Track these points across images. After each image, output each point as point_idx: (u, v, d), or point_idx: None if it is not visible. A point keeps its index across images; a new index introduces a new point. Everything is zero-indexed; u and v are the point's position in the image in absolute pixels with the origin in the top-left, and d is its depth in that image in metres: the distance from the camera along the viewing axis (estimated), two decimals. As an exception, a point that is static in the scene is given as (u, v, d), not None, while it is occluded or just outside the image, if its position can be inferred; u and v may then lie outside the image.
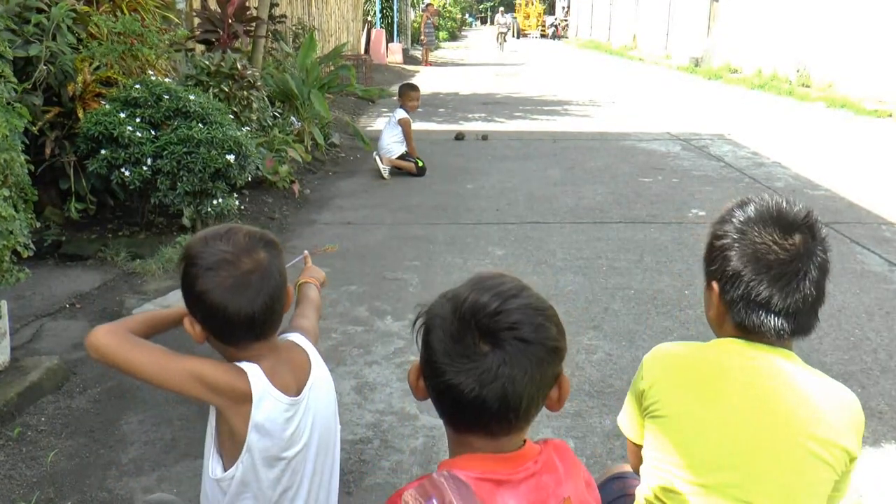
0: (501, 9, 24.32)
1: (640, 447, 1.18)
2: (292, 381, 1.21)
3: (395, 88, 6.06)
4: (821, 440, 1.02)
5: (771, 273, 1.03)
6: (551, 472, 0.84)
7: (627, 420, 1.21)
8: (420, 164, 5.78)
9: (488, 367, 0.77)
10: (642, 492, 1.16)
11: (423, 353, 0.83)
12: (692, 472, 1.05)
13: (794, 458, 1.02)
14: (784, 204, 1.07)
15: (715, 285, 1.10)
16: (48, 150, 3.42)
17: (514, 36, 37.29)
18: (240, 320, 1.12)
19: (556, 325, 0.83)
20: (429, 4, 19.80)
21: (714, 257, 1.11)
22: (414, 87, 6.06)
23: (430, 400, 0.86)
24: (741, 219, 1.08)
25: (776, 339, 1.07)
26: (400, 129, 5.78)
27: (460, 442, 0.84)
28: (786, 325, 1.04)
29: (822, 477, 1.03)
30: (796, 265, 1.03)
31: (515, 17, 39.16)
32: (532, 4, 38.85)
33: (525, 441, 0.85)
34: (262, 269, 1.12)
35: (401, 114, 5.80)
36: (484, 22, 63.68)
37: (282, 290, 1.18)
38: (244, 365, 1.15)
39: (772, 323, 1.04)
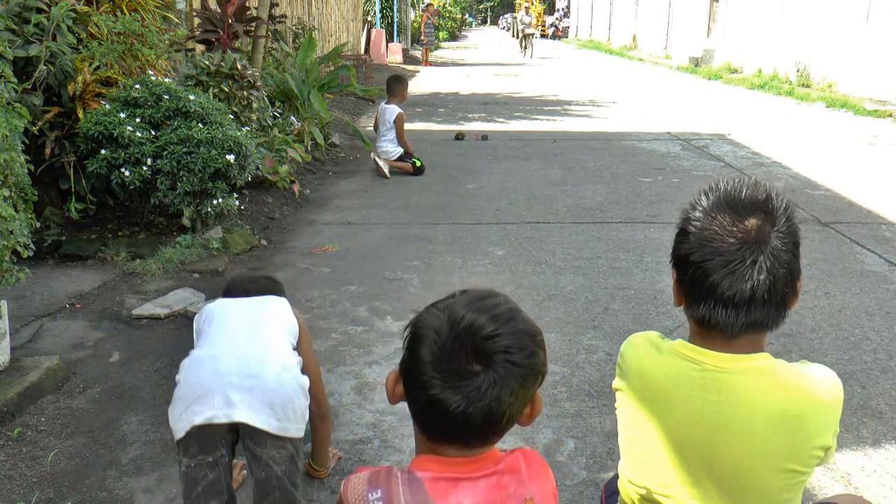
0: (526, 5, 22.00)
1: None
2: None
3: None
4: (778, 468, 1.00)
5: (717, 260, 0.96)
6: (513, 472, 0.85)
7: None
8: (418, 163, 5.78)
9: (478, 386, 0.79)
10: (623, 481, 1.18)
11: (407, 362, 0.83)
12: (653, 481, 1.08)
13: (750, 479, 1.01)
14: (744, 188, 1.00)
15: (673, 272, 1.06)
16: (48, 150, 3.43)
17: (514, 36, 37.27)
18: None
19: (543, 350, 0.85)
20: (429, 4, 19.79)
21: (675, 242, 1.06)
22: (401, 80, 5.95)
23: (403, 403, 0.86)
24: (702, 203, 1.03)
25: (731, 335, 0.99)
26: (395, 127, 5.75)
27: (430, 447, 0.85)
28: (735, 318, 0.96)
29: (784, 489, 1.02)
30: (743, 252, 0.95)
31: (515, 17, 39.15)
32: (532, 4, 38.84)
33: (492, 448, 0.87)
34: None
35: (395, 111, 5.70)
36: (484, 22, 63.65)
37: None
38: None
39: (720, 315, 0.97)
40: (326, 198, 5.11)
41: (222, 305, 1.67)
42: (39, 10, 3.37)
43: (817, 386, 1.01)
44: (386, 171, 5.68)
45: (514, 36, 37.52)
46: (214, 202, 3.71)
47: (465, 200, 4.99)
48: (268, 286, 1.77)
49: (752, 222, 0.96)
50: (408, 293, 3.30)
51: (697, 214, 1.01)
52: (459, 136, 7.32)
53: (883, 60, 10.36)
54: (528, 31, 21.49)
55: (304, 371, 1.61)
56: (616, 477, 1.32)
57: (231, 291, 1.75)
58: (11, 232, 2.31)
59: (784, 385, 1.01)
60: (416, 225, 4.43)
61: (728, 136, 7.70)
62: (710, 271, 0.96)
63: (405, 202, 4.96)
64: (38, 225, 3.28)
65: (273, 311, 1.68)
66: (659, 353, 1.07)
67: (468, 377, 0.79)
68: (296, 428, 1.52)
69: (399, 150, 5.81)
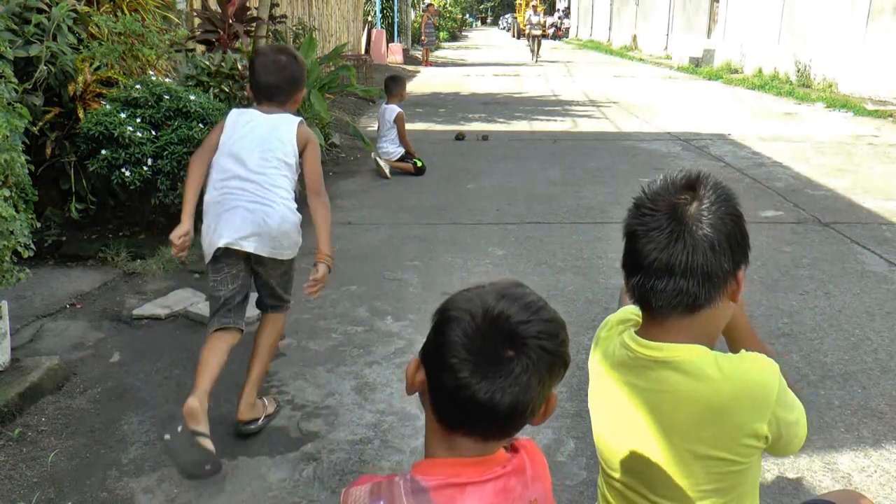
0: (534, 4, 20.40)
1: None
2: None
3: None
4: (705, 455, 1.03)
5: (641, 230, 1.02)
6: (519, 474, 0.84)
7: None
8: (419, 163, 5.78)
9: (509, 371, 0.78)
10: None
11: (435, 345, 0.81)
12: (608, 467, 1.15)
13: (680, 466, 1.04)
14: (683, 173, 1.04)
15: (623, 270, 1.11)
16: (49, 151, 3.43)
17: (514, 36, 37.23)
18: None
19: (568, 341, 0.86)
20: (429, 4, 19.80)
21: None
22: (399, 80, 5.97)
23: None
24: (644, 188, 1.08)
25: (660, 312, 1.02)
26: (395, 127, 5.76)
27: (444, 441, 0.83)
28: (658, 288, 0.99)
29: (717, 476, 1.04)
30: (663, 222, 1.00)
31: (516, 17, 39.15)
32: (529, 5, 38.82)
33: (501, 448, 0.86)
34: None
35: (394, 110, 5.72)
36: (484, 22, 63.66)
37: None
38: None
39: (647, 285, 1.01)
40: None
41: (244, 128, 2.13)
42: (40, 11, 3.37)
43: (744, 377, 1.02)
44: (387, 171, 5.68)
45: (514, 36, 37.53)
46: (215, 202, 3.71)
47: (466, 200, 4.99)
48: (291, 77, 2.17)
49: (679, 198, 1.01)
50: (408, 293, 3.30)
51: (640, 196, 1.07)
52: (460, 137, 7.32)
53: (883, 61, 10.35)
54: (534, 32, 19.59)
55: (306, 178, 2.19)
56: None
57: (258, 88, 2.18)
58: (12, 232, 2.31)
59: (709, 377, 1.01)
60: (416, 225, 4.43)
61: (728, 136, 7.70)
62: (637, 242, 1.03)
63: (405, 202, 4.96)
64: (39, 225, 3.27)
65: (280, 147, 2.11)
66: (611, 335, 1.13)
67: (501, 362, 0.78)
68: (289, 253, 2.16)
69: (400, 151, 5.82)
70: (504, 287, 0.84)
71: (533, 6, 20.26)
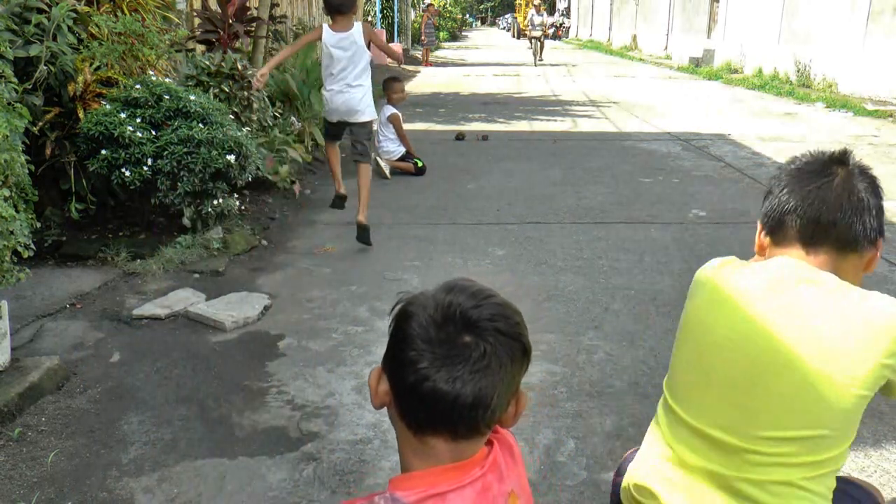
0: (536, 2, 19.12)
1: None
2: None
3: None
4: (834, 372, 1.02)
5: (803, 179, 1.11)
6: (494, 470, 0.84)
7: None
8: (419, 163, 5.79)
9: (468, 356, 0.77)
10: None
11: (395, 345, 0.82)
12: (697, 381, 1.11)
13: (803, 382, 1.02)
14: (819, 152, 1.18)
15: (759, 223, 1.18)
16: (49, 151, 3.43)
17: (514, 36, 37.22)
18: None
19: (525, 327, 0.85)
20: (429, 5, 19.80)
21: (765, 196, 1.20)
22: (397, 80, 5.97)
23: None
24: (780, 168, 1.19)
25: (805, 243, 1.09)
26: (392, 126, 5.78)
27: (417, 448, 0.82)
28: (810, 225, 1.07)
29: (838, 399, 1.03)
30: (826, 175, 1.10)
31: (516, 18, 39.16)
32: (532, 5, 38.84)
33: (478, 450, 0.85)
34: None
35: (389, 110, 5.75)
36: (484, 22, 63.68)
37: None
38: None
39: (795, 223, 1.08)
40: (327, 198, 5.09)
41: (337, 51, 3.65)
42: (40, 11, 3.37)
43: (890, 305, 1.05)
44: (387, 171, 5.68)
45: (514, 36, 37.53)
46: (215, 202, 3.71)
47: (466, 201, 4.99)
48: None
49: (833, 164, 1.13)
50: (408, 293, 3.30)
51: (791, 161, 1.19)
52: (460, 137, 7.32)
53: (883, 61, 10.35)
54: (535, 33, 18.23)
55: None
56: (624, 461, 1.33)
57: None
58: (12, 232, 2.31)
59: (850, 291, 1.05)
60: (416, 225, 4.43)
61: (728, 136, 7.70)
62: (798, 182, 1.11)
63: (405, 202, 4.96)
64: (39, 225, 3.28)
65: (361, 52, 3.69)
66: (732, 260, 1.16)
67: (457, 348, 0.77)
68: (369, 116, 3.79)
69: (400, 150, 5.82)
70: (452, 282, 0.85)
71: (535, 5, 18.85)
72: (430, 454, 0.81)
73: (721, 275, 1.13)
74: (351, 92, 3.64)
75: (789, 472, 1.02)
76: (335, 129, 3.89)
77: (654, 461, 1.16)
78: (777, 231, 1.12)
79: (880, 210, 1.12)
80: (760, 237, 1.17)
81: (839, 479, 1.16)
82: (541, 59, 18.28)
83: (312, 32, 3.78)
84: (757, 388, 1.04)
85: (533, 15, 18.52)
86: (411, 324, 0.80)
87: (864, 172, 1.13)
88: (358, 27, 3.64)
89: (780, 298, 1.06)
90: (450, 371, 0.77)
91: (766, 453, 1.03)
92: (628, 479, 1.20)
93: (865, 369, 1.02)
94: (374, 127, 5.76)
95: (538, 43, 18.16)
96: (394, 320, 0.83)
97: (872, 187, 1.12)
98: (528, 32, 18.99)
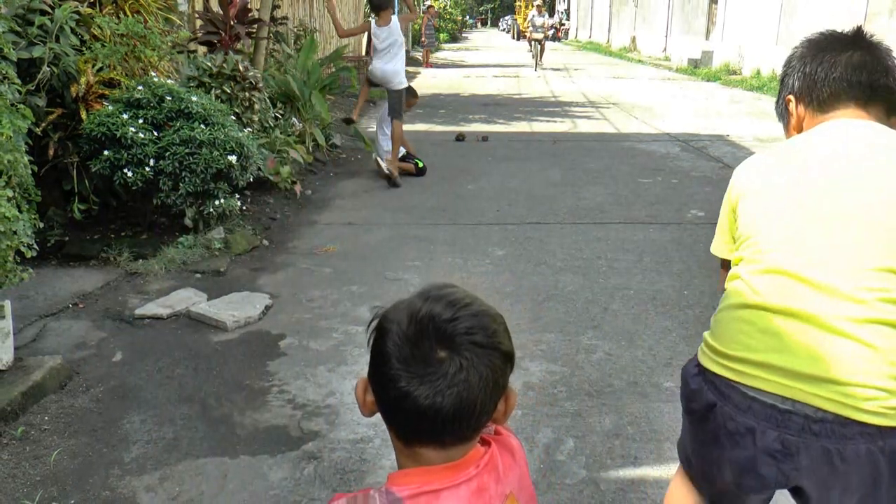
0: (538, 3, 17.92)
1: (729, 269, 1.21)
2: None
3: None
4: None
5: (835, 47, 1.15)
6: (492, 471, 0.83)
7: (720, 238, 1.25)
8: (420, 164, 5.80)
9: (444, 372, 0.77)
10: (730, 275, 1.18)
11: (374, 361, 0.82)
12: (769, 244, 1.09)
13: (871, 234, 1.02)
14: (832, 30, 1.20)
15: (791, 97, 1.20)
16: (51, 151, 3.44)
17: (514, 38, 37.22)
18: None
19: (506, 332, 0.84)
20: (429, 6, 19.82)
21: (784, 77, 1.23)
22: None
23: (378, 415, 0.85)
24: (795, 47, 1.22)
25: (863, 104, 1.12)
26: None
27: (409, 454, 0.83)
28: (866, 91, 1.10)
29: None
30: (860, 49, 1.14)
31: (516, 19, 39.19)
32: (532, 6, 38.88)
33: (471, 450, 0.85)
34: None
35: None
36: (484, 24, 63.71)
37: None
38: None
39: (851, 90, 1.11)
40: (328, 198, 5.12)
41: (377, 40, 5.36)
42: (43, 13, 3.39)
43: None
44: (387, 171, 5.70)
45: (514, 38, 37.53)
46: (216, 203, 3.73)
47: (466, 201, 5.01)
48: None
49: (855, 38, 1.17)
50: (409, 293, 3.30)
51: (801, 46, 1.22)
52: (460, 138, 7.34)
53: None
54: (536, 35, 16.98)
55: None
56: (691, 360, 1.25)
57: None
58: (15, 232, 2.32)
59: None
60: (416, 225, 4.44)
61: (727, 137, 7.72)
62: (835, 65, 1.14)
63: (406, 203, 4.98)
64: (42, 225, 3.30)
65: (396, 41, 5.41)
66: (794, 140, 1.17)
67: (433, 364, 0.77)
68: (398, 85, 5.44)
69: (401, 150, 5.84)
70: (430, 289, 0.83)
71: (537, 6, 17.45)
72: (421, 460, 0.82)
73: (780, 143, 1.17)
74: (386, 67, 5.45)
75: (891, 309, 0.99)
76: (376, 86, 5.81)
77: (740, 318, 1.11)
78: (826, 100, 1.14)
79: None
80: (798, 111, 1.18)
81: None
82: (541, 64, 17.04)
83: (362, 25, 6.22)
84: (861, 223, 1.03)
85: (534, 16, 17.26)
86: (387, 342, 0.80)
87: (888, 48, 1.17)
88: (395, 22, 5.45)
89: (868, 146, 1.09)
90: (429, 387, 0.77)
91: (871, 290, 1.00)
92: (717, 346, 1.12)
93: None
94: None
95: (539, 46, 16.95)
96: (370, 336, 0.83)
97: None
98: (528, 34, 17.76)
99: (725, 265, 1.24)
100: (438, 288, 0.84)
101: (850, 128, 1.12)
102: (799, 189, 1.09)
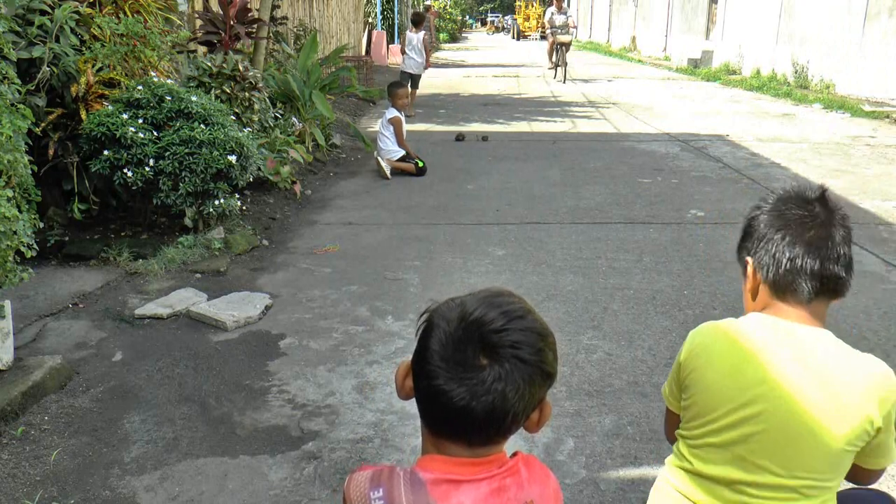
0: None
1: (676, 417, 1.29)
2: None
3: (395, 90, 6.17)
4: (828, 431, 1.10)
5: (799, 230, 1.15)
6: (514, 475, 0.85)
7: (668, 389, 1.32)
8: (420, 164, 5.81)
9: (483, 379, 0.78)
10: (671, 456, 1.27)
11: (418, 351, 0.84)
12: (709, 430, 1.17)
13: (797, 437, 1.11)
14: (800, 188, 1.22)
15: (749, 260, 1.22)
16: (51, 151, 3.44)
17: (514, 38, 37.22)
18: None
19: (553, 351, 0.85)
20: (429, 7, 19.81)
21: (747, 234, 1.24)
22: (402, 85, 6.13)
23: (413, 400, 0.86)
24: (768, 200, 1.22)
25: (808, 300, 1.16)
26: (392, 128, 5.84)
27: (434, 445, 0.85)
28: (815, 285, 1.14)
29: (826, 453, 1.11)
30: (820, 226, 1.15)
31: (515, 19, 39.19)
32: (532, 6, 38.92)
33: (498, 452, 0.86)
34: None
35: (391, 113, 5.89)
36: (483, 24, 63.69)
37: None
38: None
39: (804, 284, 1.14)
40: (328, 198, 5.13)
41: (407, 42, 9.38)
42: (43, 13, 3.39)
43: (881, 370, 1.13)
44: (387, 172, 5.71)
45: (514, 37, 37.53)
46: (216, 203, 3.73)
47: (466, 201, 5.01)
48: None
49: (817, 207, 1.17)
50: (408, 293, 3.32)
51: (768, 207, 1.21)
52: (460, 137, 7.34)
53: (880, 62, 10.38)
54: (562, 37, 13.15)
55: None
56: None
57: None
58: (15, 232, 2.32)
59: (844, 355, 1.13)
60: (416, 225, 4.44)
61: (727, 137, 7.72)
62: (795, 246, 1.15)
63: (406, 203, 4.98)
64: (42, 225, 3.30)
65: (418, 44, 9.28)
66: (739, 325, 1.20)
67: (473, 370, 0.79)
68: (417, 71, 9.43)
69: (401, 151, 5.86)
70: (488, 294, 0.84)
71: (556, 2, 13.75)
72: (445, 451, 0.84)
73: (751, 338, 1.18)
74: (409, 60, 9.24)
75: None
76: (406, 77, 8.79)
77: (669, 498, 1.24)
78: (780, 288, 1.17)
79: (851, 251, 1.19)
80: (756, 279, 1.20)
81: (851, 489, 1.28)
82: (565, 74, 13.21)
83: (426, 46, 9.30)
84: (761, 442, 1.13)
85: (553, 14, 13.50)
86: (433, 337, 0.81)
87: (842, 214, 1.19)
88: (421, 34, 9.15)
89: (785, 364, 1.13)
90: (464, 390, 0.78)
91: (765, 497, 1.13)
92: None
93: (849, 427, 1.10)
94: (383, 120, 6.04)
95: (563, 50, 13.16)
96: (421, 325, 0.85)
97: (849, 229, 1.19)
98: (549, 36, 13.90)
99: None
100: (496, 293, 0.84)
101: (786, 339, 1.16)
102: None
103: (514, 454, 0.88)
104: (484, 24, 63.19)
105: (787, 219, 1.16)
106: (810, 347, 1.14)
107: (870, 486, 1.32)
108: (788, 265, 1.15)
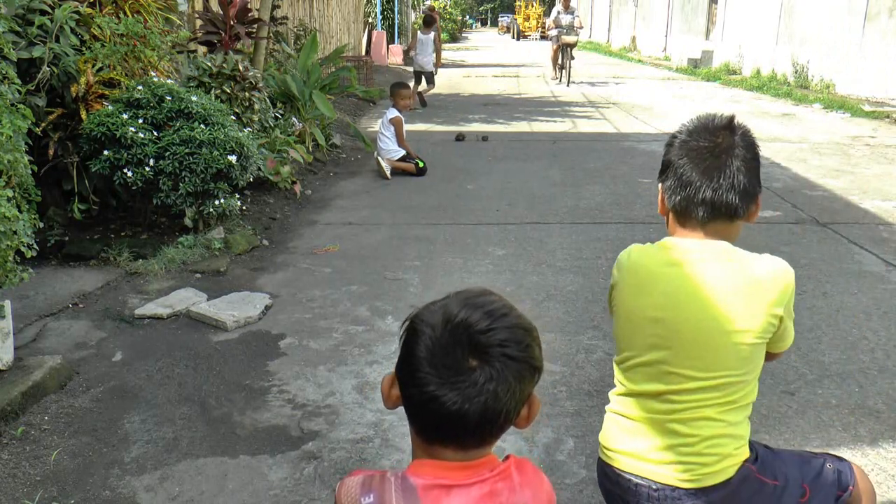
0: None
1: None
2: None
3: (395, 90, 6.17)
4: (732, 330, 1.20)
5: (697, 161, 1.24)
6: (506, 479, 0.85)
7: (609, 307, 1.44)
8: (420, 164, 5.81)
9: (474, 381, 0.78)
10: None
11: (403, 360, 0.83)
12: (632, 352, 1.29)
13: (710, 341, 1.22)
14: (710, 117, 1.30)
15: (660, 186, 1.32)
16: (51, 151, 3.44)
17: (514, 38, 37.21)
18: None
19: (539, 346, 0.85)
20: (433, 7, 19.81)
21: (662, 162, 1.33)
22: (404, 86, 6.16)
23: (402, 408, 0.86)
24: (682, 130, 1.32)
25: (703, 224, 1.25)
26: (393, 128, 5.84)
27: (426, 450, 0.84)
28: (709, 211, 1.23)
29: (739, 350, 1.22)
30: (717, 156, 1.23)
31: (516, 19, 39.18)
32: (532, 6, 38.91)
33: (489, 454, 0.86)
34: None
35: (392, 113, 5.89)
36: (484, 24, 63.70)
37: None
38: None
39: (698, 210, 1.24)
40: (328, 198, 5.13)
41: (419, 42, 10.05)
42: (43, 13, 3.39)
43: (773, 266, 1.24)
44: (387, 172, 5.71)
45: (513, 37, 37.53)
46: (216, 203, 3.73)
47: (466, 201, 5.01)
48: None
49: (721, 136, 1.26)
50: (409, 293, 3.32)
51: (677, 138, 1.31)
52: (460, 137, 7.34)
53: (880, 62, 10.38)
54: (567, 37, 12.45)
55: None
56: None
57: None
58: (15, 232, 2.32)
59: (742, 262, 1.23)
60: (416, 225, 4.44)
61: (727, 137, 7.71)
62: (693, 172, 1.25)
63: (406, 203, 4.98)
64: (42, 225, 3.30)
65: (429, 44, 9.95)
66: (645, 248, 1.33)
67: (464, 373, 0.79)
68: (429, 69, 10.07)
69: (401, 151, 5.86)
70: (469, 296, 0.84)
71: (563, 2, 12.92)
72: (438, 456, 0.84)
73: (638, 264, 1.31)
74: (420, 58, 9.91)
75: (707, 410, 1.23)
76: (417, 75, 10.01)
77: (612, 420, 1.37)
78: (679, 214, 1.29)
79: (758, 171, 1.27)
80: (664, 203, 1.32)
81: (825, 454, 1.40)
82: (569, 78, 12.60)
83: (437, 44, 9.99)
84: (678, 353, 1.24)
85: (560, 14, 12.74)
86: (419, 344, 0.81)
87: (748, 140, 1.26)
88: (432, 34, 9.90)
89: (687, 278, 1.24)
90: (457, 394, 0.78)
91: (689, 400, 1.24)
92: (601, 440, 1.37)
93: (758, 321, 1.21)
94: (384, 120, 6.03)
95: (569, 52, 12.54)
96: (403, 334, 0.85)
97: (752, 154, 1.25)
98: (555, 37, 13.01)
99: None
100: (476, 294, 0.84)
101: (684, 257, 1.26)
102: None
103: (507, 457, 0.88)
104: (484, 24, 63.20)
105: (689, 148, 1.25)
106: (710, 257, 1.23)
107: (827, 452, 1.45)
108: (684, 192, 1.24)
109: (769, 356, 1.30)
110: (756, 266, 1.22)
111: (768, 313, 1.21)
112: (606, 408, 1.38)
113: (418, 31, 10.43)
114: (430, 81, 10.13)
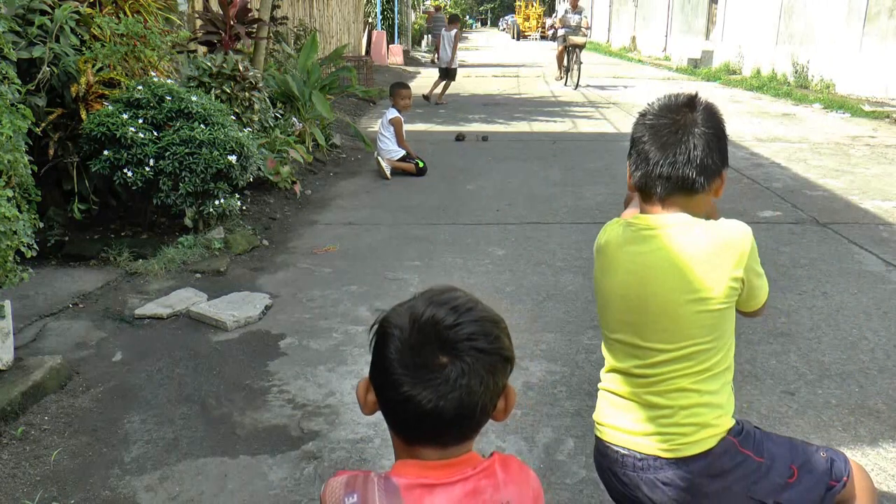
0: None
1: None
2: None
3: (395, 90, 6.17)
4: (693, 299, 1.23)
5: (656, 137, 1.26)
6: (489, 477, 0.85)
7: None
8: (420, 164, 5.82)
9: (447, 378, 0.79)
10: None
11: (376, 364, 0.84)
12: (609, 331, 1.35)
13: (674, 312, 1.25)
14: (673, 95, 1.32)
15: (628, 163, 1.34)
16: (51, 151, 3.44)
17: (514, 38, 37.22)
18: None
19: (507, 336, 0.85)
20: (438, 7, 19.80)
21: (630, 140, 1.34)
22: (404, 86, 6.13)
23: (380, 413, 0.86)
24: (645, 110, 1.33)
25: (662, 198, 1.27)
26: (392, 128, 5.85)
27: (407, 451, 0.85)
28: (668, 186, 1.25)
29: (702, 318, 1.24)
30: (675, 132, 1.25)
31: (516, 19, 39.19)
32: (532, 6, 38.90)
33: (470, 451, 0.87)
34: None
35: (392, 114, 5.89)
36: (484, 24, 63.71)
37: None
38: None
39: (656, 186, 1.26)
40: (328, 198, 5.13)
41: (442, 38, 10.56)
42: (43, 13, 3.39)
43: (725, 231, 1.25)
44: (387, 172, 5.71)
45: (513, 37, 37.54)
46: (216, 203, 3.73)
47: (466, 201, 5.01)
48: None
49: (681, 109, 1.28)
50: (409, 293, 3.30)
51: (647, 111, 1.33)
52: (460, 137, 7.34)
53: (880, 62, 10.38)
54: (575, 38, 11.97)
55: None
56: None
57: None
58: (15, 232, 2.32)
59: (698, 231, 1.25)
60: (416, 225, 4.44)
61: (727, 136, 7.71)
62: (647, 142, 1.27)
63: (406, 203, 4.98)
64: (42, 225, 3.30)
65: (450, 40, 10.38)
66: (613, 227, 1.36)
67: (436, 370, 0.79)
68: (447, 64, 10.45)
69: (401, 151, 5.86)
70: (433, 294, 0.84)
71: (571, 2, 12.63)
72: (420, 456, 0.84)
73: (605, 244, 1.35)
74: (442, 52, 10.30)
75: (681, 381, 1.26)
76: (443, 72, 10.31)
77: (601, 396, 1.41)
78: (641, 190, 1.31)
79: (723, 147, 1.28)
80: (630, 181, 1.35)
81: (822, 447, 1.39)
82: (577, 81, 12.04)
83: (456, 40, 10.33)
84: (646, 327, 1.27)
85: (567, 12, 12.47)
86: (389, 346, 0.82)
87: (709, 116, 1.27)
88: (453, 32, 10.31)
89: (647, 254, 1.27)
90: (431, 392, 0.79)
91: (662, 373, 1.27)
92: (594, 416, 1.41)
93: (719, 288, 1.22)
94: (384, 120, 6.01)
95: (577, 53, 12.01)
96: (373, 338, 0.85)
97: (714, 130, 1.26)
98: (560, 37, 12.66)
99: None
100: (440, 292, 0.85)
101: (647, 233, 1.28)
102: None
103: (492, 454, 0.88)
104: (484, 24, 63.19)
105: (651, 126, 1.28)
106: (669, 231, 1.25)
107: (827, 446, 1.43)
108: (644, 168, 1.27)
109: (746, 314, 1.33)
110: (711, 234, 1.24)
111: (729, 277, 1.22)
112: (598, 385, 1.42)
113: (442, 29, 10.96)
114: (450, 76, 10.34)
